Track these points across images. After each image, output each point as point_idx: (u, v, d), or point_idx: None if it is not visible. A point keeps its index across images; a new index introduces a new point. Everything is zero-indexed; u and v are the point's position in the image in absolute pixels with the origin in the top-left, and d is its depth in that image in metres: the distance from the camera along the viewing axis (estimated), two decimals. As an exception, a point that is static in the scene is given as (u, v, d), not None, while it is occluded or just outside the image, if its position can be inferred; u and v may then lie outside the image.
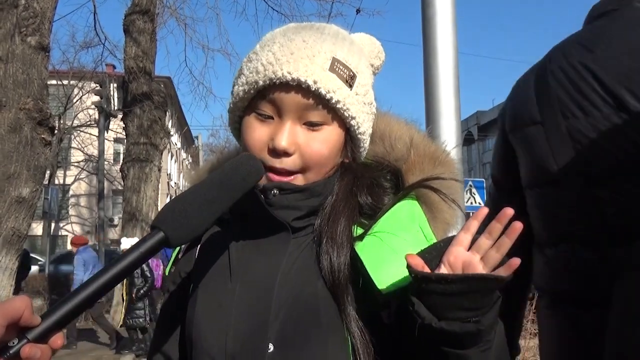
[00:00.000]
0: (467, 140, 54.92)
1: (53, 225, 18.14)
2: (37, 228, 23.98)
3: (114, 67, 18.37)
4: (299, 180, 0.87)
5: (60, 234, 27.33)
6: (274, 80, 0.84)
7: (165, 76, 21.50)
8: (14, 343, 0.64)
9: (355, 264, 0.83)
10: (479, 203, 8.89)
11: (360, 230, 0.87)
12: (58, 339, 0.68)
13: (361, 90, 0.89)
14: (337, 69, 0.85)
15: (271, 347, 0.81)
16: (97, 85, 14.95)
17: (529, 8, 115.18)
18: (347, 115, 0.87)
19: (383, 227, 0.85)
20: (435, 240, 0.86)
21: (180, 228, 0.75)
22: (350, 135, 0.91)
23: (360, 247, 0.83)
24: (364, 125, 0.91)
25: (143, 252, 0.73)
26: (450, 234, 0.89)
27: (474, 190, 9.13)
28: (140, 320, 7.77)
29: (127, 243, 8.41)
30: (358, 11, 9.87)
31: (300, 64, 0.83)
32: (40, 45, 4.24)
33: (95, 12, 10.63)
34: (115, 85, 14.09)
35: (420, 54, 3.40)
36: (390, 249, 0.82)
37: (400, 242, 0.83)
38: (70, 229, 27.66)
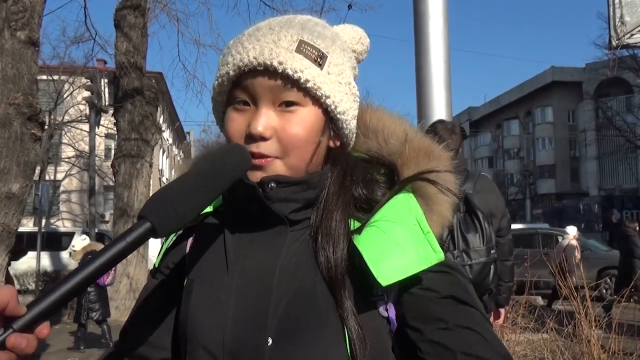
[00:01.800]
0: (459, 136, 54.99)
1: (44, 221, 18.03)
2: (28, 224, 23.83)
3: (105, 62, 18.26)
4: (277, 164, 0.87)
5: (51, 230, 27.21)
6: (242, 68, 0.85)
7: (157, 72, 21.36)
8: None
9: (354, 257, 0.83)
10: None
11: (357, 224, 0.87)
12: (44, 329, 0.68)
13: (334, 69, 0.88)
14: (303, 50, 0.86)
15: (270, 341, 0.81)
16: (88, 80, 14.87)
17: (521, 4, 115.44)
18: (320, 94, 0.86)
19: (380, 221, 0.85)
20: (431, 233, 0.86)
21: (167, 218, 0.75)
22: (329, 116, 0.90)
23: (358, 241, 0.83)
24: (342, 104, 0.89)
25: (129, 242, 0.73)
26: (445, 226, 0.91)
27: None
28: (81, 315, 8.02)
29: (77, 243, 8.49)
30: (350, 6, 9.87)
31: (265, 48, 0.84)
32: (29, 39, 4.21)
33: (86, 7, 10.55)
34: (106, 80, 14.00)
35: (413, 50, 3.40)
36: (389, 242, 0.82)
37: (398, 235, 0.83)
38: (62, 225, 27.51)
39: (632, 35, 5.19)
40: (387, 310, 0.85)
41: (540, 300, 9.78)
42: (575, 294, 4.27)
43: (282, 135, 0.86)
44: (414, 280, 0.82)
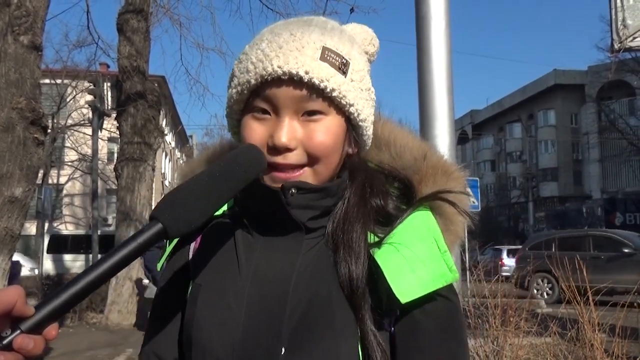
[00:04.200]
0: (461, 139, 55.09)
1: (47, 225, 18.07)
2: (31, 228, 23.85)
3: (108, 66, 18.36)
4: (307, 173, 0.85)
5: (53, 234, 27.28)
6: (266, 77, 0.82)
7: (159, 75, 21.43)
8: (6, 334, 0.63)
9: (372, 272, 0.82)
10: (473, 202, 8.92)
11: (374, 238, 0.86)
12: (52, 330, 0.66)
13: (356, 76, 0.87)
14: (328, 58, 0.84)
15: (283, 350, 0.80)
16: (91, 84, 14.90)
17: (523, 6, 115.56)
18: (345, 102, 0.85)
19: (400, 237, 0.84)
20: (448, 252, 0.85)
21: (179, 219, 0.74)
22: (351, 124, 0.89)
23: (379, 256, 0.82)
24: (364, 111, 0.89)
25: (141, 243, 0.72)
26: (459, 246, 0.91)
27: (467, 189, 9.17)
28: None
29: None
30: (352, 10, 9.87)
31: (289, 56, 0.82)
32: (32, 44, 4.22)
33: (89, 11, 10.62)
34: (108, 84, 14.05)
35: (415, 53, 3.40)
36: (407, 259, 0.81)
37: (416, 252, 0.83)
38: (64, 229, 27.56)
39: (634, 38, 5.19)
40: (391, 323, 0.85)
41: (543, 305, 9.74)
42: (579, 297, 4.26)
43: (309, 144, 0.84)
44: (419, 300, 0.82)
